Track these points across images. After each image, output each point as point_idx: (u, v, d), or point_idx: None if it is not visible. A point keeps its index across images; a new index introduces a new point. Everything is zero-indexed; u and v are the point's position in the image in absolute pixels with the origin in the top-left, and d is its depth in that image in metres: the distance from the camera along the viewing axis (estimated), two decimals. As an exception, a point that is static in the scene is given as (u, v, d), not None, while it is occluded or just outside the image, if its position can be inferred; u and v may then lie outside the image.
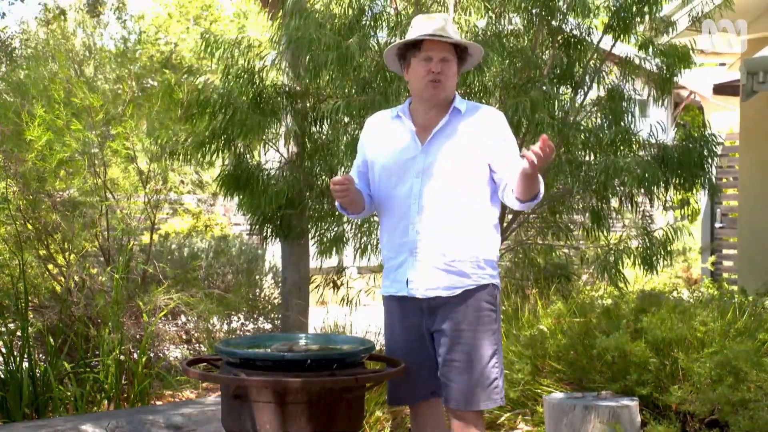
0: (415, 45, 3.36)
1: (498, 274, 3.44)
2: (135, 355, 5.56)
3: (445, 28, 3.34)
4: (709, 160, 6.04)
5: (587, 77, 6.10)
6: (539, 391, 4.88)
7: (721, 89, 10.58)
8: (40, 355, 5.61)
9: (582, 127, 5.98)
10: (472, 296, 3.33)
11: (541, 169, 3.16)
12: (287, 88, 6.14)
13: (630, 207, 6.22)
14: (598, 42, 6.13)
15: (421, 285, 3.36)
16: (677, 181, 6.01)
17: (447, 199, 3.33)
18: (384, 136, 3.48)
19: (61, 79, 5.90)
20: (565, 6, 5.86)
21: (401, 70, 3.47)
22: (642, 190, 5.97)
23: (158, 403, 5.59)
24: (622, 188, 6.06)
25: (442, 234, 3.33)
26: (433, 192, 3.33)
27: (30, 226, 5.81)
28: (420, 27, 3.37)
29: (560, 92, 6.04)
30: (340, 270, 6.58)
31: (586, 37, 6.09)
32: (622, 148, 5.96)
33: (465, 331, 3.32)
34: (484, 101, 5.73)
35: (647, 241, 6.06)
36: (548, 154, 3.06)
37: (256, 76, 5.99)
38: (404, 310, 3.43)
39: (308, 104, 6.18)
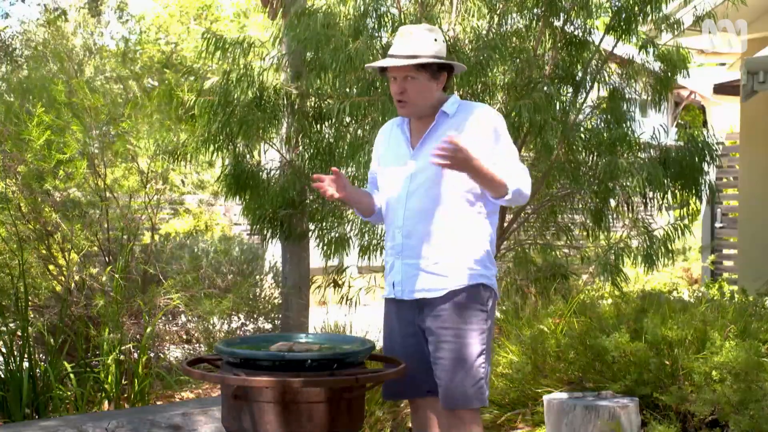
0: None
1: (492, 274, 3.44)
2: (135, 355, 5.57)
3: (410, 44, 3.36)
4: (709, 166, 6.04)
5: (588, 78, 6.09)
6: (539, 391, 4.88)
7: (721, 89, 10.60)
8: (41, 355, 5.60)
9: (583, 128, 5.97)
10: (459, 295, 3.36)
11: (457, 165, 3.17)
12: (288, 88, 6.13)
13: (628, 208, 6.22)
14: (600, 42, 6.13)
15: (406, 288, 3.43)
16: (677, 184, 6.00)
17: (432, 202, 3.38)
18: (387, 144, 3.59)
19: (61, 80, 5.89)
20: (568, 5, 5.85)
21: None
22: (645, 192, 5.97)
23: (158, 403, 5.59)
24: (622, 189, 6.05)
25: (425, 237, 3.38)
26: (419, 196, 3.40)
27: (30, 226, 5.81)
28: (393, 46, 3.43)
29: (561, 93, 6.03)
30: (340, 269, 6.58)
31: (588, 38, 6.08)
32: (621, 149, 5.95)
33: (451, 329, 3.35)
34: (486, 102, 5.73)
35: (648, 240, 6.05)
36: (449, 150, 3.13)
37: (258, 76, 5.98)
38: (399, 309, 3.49)
39: (309, 104, 6.18)
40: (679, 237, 6.08)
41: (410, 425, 4.89)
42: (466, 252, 3.38)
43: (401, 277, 3.44)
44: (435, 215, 3.37)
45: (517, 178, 3.31)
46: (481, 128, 3.38)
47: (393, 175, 3.49)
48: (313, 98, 6.14)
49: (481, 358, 3.36)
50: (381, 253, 6.11)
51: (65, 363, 5.23)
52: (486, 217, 3.43)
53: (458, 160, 3.16)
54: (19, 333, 5.31)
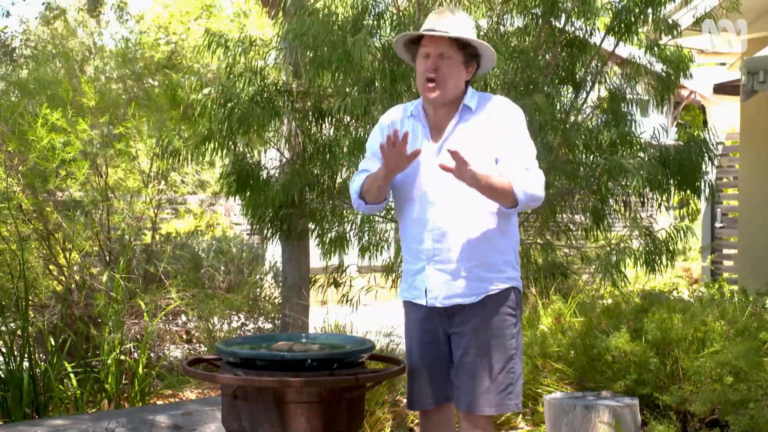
0: (418, 40, 3.25)
1: (519, 275, 3.35)
2: (135, 355, 5.57)
3: (448, 23, 3.19)
4: (707, 166, 6.04)
5: (589, 78, 6.09)
6: (540, 390, 4.89)
7: (721, 89, 10.59)
8: (41, 355, 5.61)
9: (582, 128, 5.97)
10: (492, 300, 3.24)
11: (466, 179, 3.05)
12: (288, 87, 6.13)
13: (625, 207, 6.22)
14: (601, 43, 6.12)
15: (440, 294, 3.26)
16: (677, 184, 6.00)
17: (462, 203, 3.23)
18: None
19: (63, 80, 5.90)
20: (568, 5, 5.84)
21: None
22: (643, 192, 5.96)
23: (159, 402, 5.59)
24: (622, 189, 6.05)
25: (457, 240, 3.23)
26: (448, 197, 3.23)
27: (32, 226, 5.81)
28: (426, 22, 3.25)
29: (562, 93, 6.03)
30: (340, 269, 6.57)
31: (588, 38, 6.07)
32: (621, 149, 5.95)
33: (482, 334, 3.23)
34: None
35: (649, 242, 6.03)
36: (458, 164, 2.99)
37: (258, 75, 5.96)
38: (422, 314, 3.34)
39: (309, 103, 6.17)
40: (681, 239, 6.06)
41: (410, 426, 4.90)
42: (499, 255, 3.27)
43: (433, 284, 3.27)
44: (466, 217, 3.23)
45: (529, 183, 3.17)
46: (502, 122, 3.24)
47: (414, 173, 3.27)
48: (313, 97, 6.13)
49: (510, 363, 3.25)
50: (381, 253, 6.10)
51: (65, 363, 5.23)
52: (511, 216, 3.33)
53: (462, 172, 3.03)
54: (19, 333, 5.31)
